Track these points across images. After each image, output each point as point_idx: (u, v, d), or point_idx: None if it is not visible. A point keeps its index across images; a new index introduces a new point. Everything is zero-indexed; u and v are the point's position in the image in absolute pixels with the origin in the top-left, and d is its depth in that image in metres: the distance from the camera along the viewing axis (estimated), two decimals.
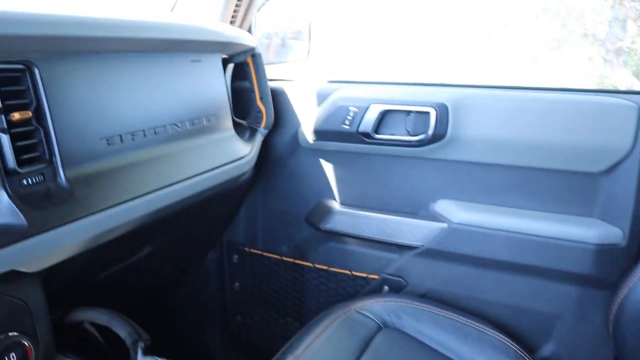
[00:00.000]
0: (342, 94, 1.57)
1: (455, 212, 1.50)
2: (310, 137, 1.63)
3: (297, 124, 1.66)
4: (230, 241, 1.90)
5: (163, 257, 1.53)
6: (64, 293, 1.12)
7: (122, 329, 1.03)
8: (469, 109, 1.44)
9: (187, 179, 1.18)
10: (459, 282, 1.54)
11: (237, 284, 1.94)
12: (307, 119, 1.64)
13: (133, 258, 1.30)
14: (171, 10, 1.65)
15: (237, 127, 1.48)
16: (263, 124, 1.58)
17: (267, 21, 1.90)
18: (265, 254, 1.87)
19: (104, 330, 1.10)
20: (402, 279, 1.61)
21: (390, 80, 1.59)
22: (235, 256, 1.91)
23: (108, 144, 1.02)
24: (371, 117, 1.51)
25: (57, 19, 0.90)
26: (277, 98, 1.66)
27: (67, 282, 1.06)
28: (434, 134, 1.46)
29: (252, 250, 1.89)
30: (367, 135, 1.52)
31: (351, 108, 1.54)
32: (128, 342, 1.02)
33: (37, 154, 0.91)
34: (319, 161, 1.67)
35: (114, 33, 0.99)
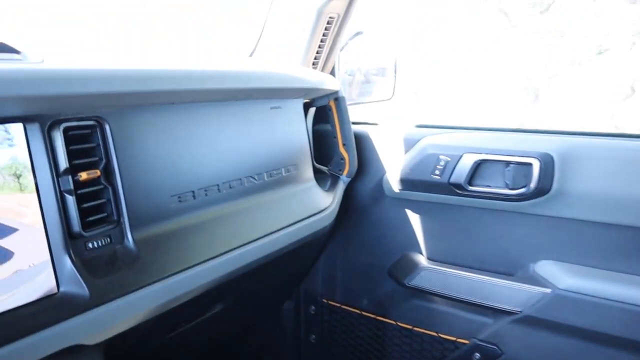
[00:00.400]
0: (432, 141, 1.45)
1: (561, 276, 1.31)
2: (396, 186, 1.50)
3: (382, 172, 1.54)
4: (307, 291, 1.80)
5: (236, 312, 1.45)
6: (129, 357, 1.05)
7: None
8: (578, 160, 1.26)
9: (264, 236, 1.09)
10: (563, 357, 1.34)
11: (313, 337, 1.83)
12: (392, 166, 1.52)
13: (203, 317, 1.23)
14: (250, 55, 1.60)
15: (317, 174, 1.39)
16: (346, 172, 1.48)
17: (350, 58, 1.82)
18: (344, 306, 1.75)
19: None
20: (496, 347, 1.43)
21: (485, 126, 1.44)
22: (313, 307, 1.81)
23: (179, 201, 0.95)
24: (464, 167, 1.37)
25: (131, 74, 0.85)
26: (361, 143, 1.56)
27: (130, 348, 1.00)
28: (537, 188, 1.29)
29: (330, 302, 1.77)
30: (459, 186, 1.38)
31: (442, 157, 1.40)
32: None
33: (104, 214, 0.85)
34: (405, 211, 1.54)
35: (190, 85, 0.93)
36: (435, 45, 4.45)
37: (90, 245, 0.83)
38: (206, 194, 0.99)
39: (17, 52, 0.78)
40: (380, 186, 1.55)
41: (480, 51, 4.28)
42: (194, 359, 1.37)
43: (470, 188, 1.37)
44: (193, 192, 0.97)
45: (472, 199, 1.39)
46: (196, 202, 0.98)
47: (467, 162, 1.37)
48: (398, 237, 1.57)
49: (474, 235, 1.45)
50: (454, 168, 1.38)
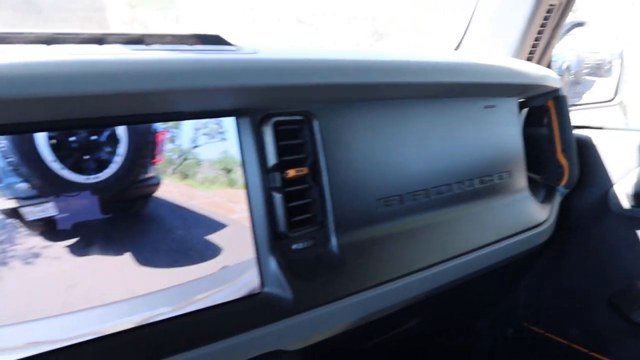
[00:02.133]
0: None
1: None
2: (625, 201, 1.27)
3: (608, 184, 1.31)
4: (506, 312, 1.61)
5: (428, 327, 1.34)
6: None
7: None
8: None
9: (472, 251, 0.97)
10: None
11: None
12: (621, 177, 1.28)
13: (397, 330, 1.14)
14: (456, 48, 1.47)
15: (530, 183, 1.22)
16: (564, 182, 1.28)
17: (560, 55, 1.60)
18: (548, 334, 1.53)
19: None
20: None
21: None
22: (511, 330, 1.62)
23: (386, 205, 0.87)
24: None
25: (346, 66, 0.79)
26: (583, 150, 1.35)
27: (323, 357, 0.94)
28: None
29: (532, 327, 1.57)
30: None
31: None
32: None
33: (309, 215, 0.80)
34: (636, 232, 1.30)
35: (403, 78, 0.85)
36: None
37: (294, 246, 0.78)
38: (414, 199, 0.90)
39: (231, 44, 0.76)
40: (604, 200, 1.33)
41: None
42: None
43: None
44: (400, 196, 0.89)
45: None
46: (403, 207, 0.89)
47: None
48: (625, 262, 1.33)
49: None
50: None
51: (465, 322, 1.64)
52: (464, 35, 1.44)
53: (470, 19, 1.43)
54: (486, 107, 1.06)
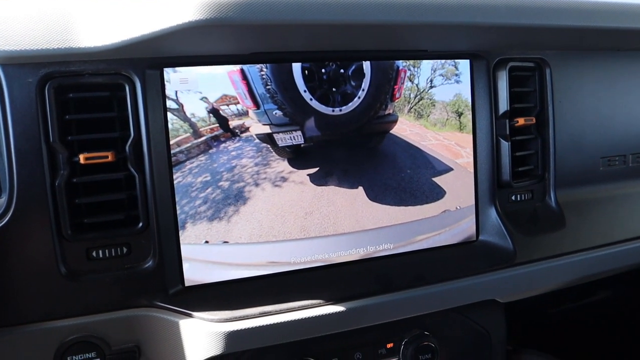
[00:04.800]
0: None
1: None
2: None
3: None
4: None
5: (617, 306, 1.25)
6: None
7: None
8: None
9: None
10: None
11: None
12: None
13: (586, 300, 1.09)
14: None
15: None
16: None
17: None
18: None
19: None
20: None
21: None
22: None
23: (609, 165, 0.81)
24: None
25: (585, 8, 0.73)
26: None
27: (516, 314, 0.92)
28: None
29: None
30: None
31: None
32: None
33: (530, 167, 0.77)
34: None
35: None
36: None
37: (513, 197, 0.76)
38: (638, 161, 0.84)
39: None
40: None
41: None
42: (562, 341, 1.24)
43: None
44: (624, 156, 0.83)
45: None
46: (626, 169, 0.83)
47: None
48: None
49: None
50: None
51: None
52: None
53: None
54: None
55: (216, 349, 0.58)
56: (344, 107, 0.67)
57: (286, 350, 0.66)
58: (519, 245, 0.72)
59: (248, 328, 0.59)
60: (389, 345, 0.71)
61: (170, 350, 0.60)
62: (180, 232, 0.61)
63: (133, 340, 0.60)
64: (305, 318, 0.61)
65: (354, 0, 0.54)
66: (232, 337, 0.58)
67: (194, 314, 0.59)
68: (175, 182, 0.61)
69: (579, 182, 0.79)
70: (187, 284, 0.62)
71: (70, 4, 0.56)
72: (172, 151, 0.61)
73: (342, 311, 0.62)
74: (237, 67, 0.62)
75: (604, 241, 0.78)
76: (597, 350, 1.17)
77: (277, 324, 0.60)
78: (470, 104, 0.73)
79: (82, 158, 0.57)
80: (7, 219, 0.55)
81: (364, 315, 0.64)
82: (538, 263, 0.73)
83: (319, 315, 0.61)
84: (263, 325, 0.59)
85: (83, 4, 0.56)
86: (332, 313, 0.62)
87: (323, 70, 0.66)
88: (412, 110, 0.71)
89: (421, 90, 0.71)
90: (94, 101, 0.58)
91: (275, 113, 0.65)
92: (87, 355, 0.58)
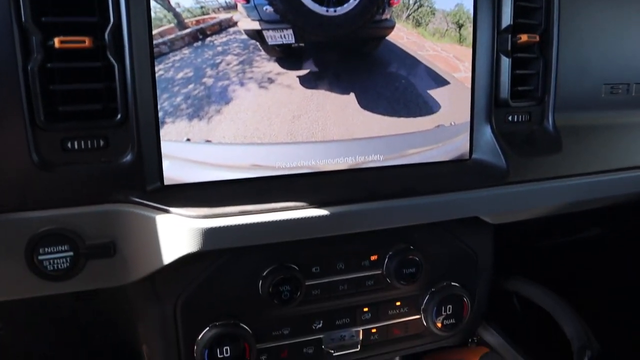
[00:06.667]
0: None
1: None
2: None
3: None
4: None
5: (610, 246, 1.23)
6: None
7: (569, 325, 0.83)
8: None
9: None
10: None
11: None
12: None
13: (578, 235, 1.08)
14: None
15: None
16: None
17: None
18: None
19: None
20: None
21: None
22: None
23: (612, 92, 0.79)
24: None
25: None
26: None
27: (506, 241, 0.91)
28: None
29: None
30: None
31: None
32: (574, 344, 0.81)
33: (529, 87, 0.74)
34: None
35: None
36: None
37: (510, 118, 0.74)
38: None
39: None
40: None
41: None
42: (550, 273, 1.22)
43: None
44: (628, 85, 0.80)
45: None
46: (629, 98, 0.80)
47: None
48: None
49: None
50: None
51: None
52: None
53: None
54: None
55: (193, 246, 0.57)
56: (338, 8, 0.64)
57: (265, 256, 0.65)
58: (513, 165, 0.70)
59: (227, 226, 0.57)
60: (373, 258, 0.69)
61: (146, 246, 0.58)
62: (161, 128, 0.59)
63: (108, 236, 0.58)
64: (286, 219, 0.59)
65: None
66: (210, 234, 0.56)
67: (172, 209, 0.57)
68: (157, 74, 0.58)
69: (579, 107, 0.77)
70: (166, 182, 0.60)
71: None
72: (154, 42, 0.58)
73: (326, 215, 0.60)
74: None
75: (600, 168, 0.76)
76: (584, 284, 1.17)
77: (258, 223, 0.58)
78: (472, 15, 0.70)
79: (57, 42, 0.53)
80: None
81: (348, 221, 0.62)
82: (531, 184, 0.71)
83: (301, 218, 0.59)
84: (243, 224, 0.57)
85: None
86: (315, 216, 0.60)
87: None
88: (410, 17, 0.67)
89: None
90: None
91: (266, 9, 0.61)
92: (59, 247, 0.56)
